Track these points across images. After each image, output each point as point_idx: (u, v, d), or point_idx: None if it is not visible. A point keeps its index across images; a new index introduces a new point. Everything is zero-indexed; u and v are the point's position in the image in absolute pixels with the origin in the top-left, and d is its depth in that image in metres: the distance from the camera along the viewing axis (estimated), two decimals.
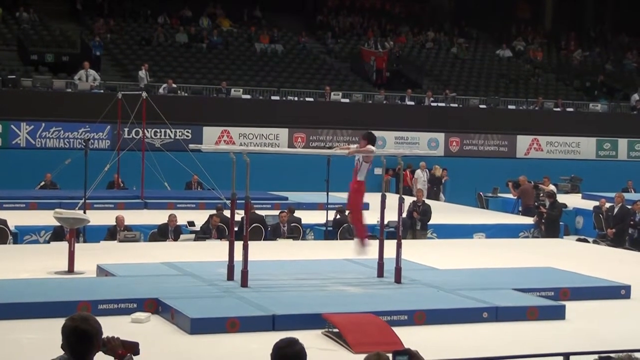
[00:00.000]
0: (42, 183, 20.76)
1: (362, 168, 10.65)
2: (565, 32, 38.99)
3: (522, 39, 37.24)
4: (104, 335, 4.21)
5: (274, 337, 4.47)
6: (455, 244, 16.18)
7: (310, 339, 8.09)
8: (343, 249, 14.03)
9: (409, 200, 17.50)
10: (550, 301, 10.16)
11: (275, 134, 25.83)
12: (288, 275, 11.04)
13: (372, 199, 18.70)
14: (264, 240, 15.74)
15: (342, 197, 20.04)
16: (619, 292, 10.99)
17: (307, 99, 27.65)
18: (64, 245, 12.14)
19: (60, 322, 4.17)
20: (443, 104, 29.01)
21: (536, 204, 20.07)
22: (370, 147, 10.65)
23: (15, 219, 15.83)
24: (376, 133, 27.91)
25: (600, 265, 13.22)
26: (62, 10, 31.97)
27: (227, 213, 15.37)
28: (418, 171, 24.72)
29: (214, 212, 16.21)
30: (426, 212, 17.34)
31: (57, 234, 14.48)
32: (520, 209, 21.64)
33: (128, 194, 20.46)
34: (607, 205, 19.39)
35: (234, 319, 8.68)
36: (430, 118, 27.90)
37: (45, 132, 23.68)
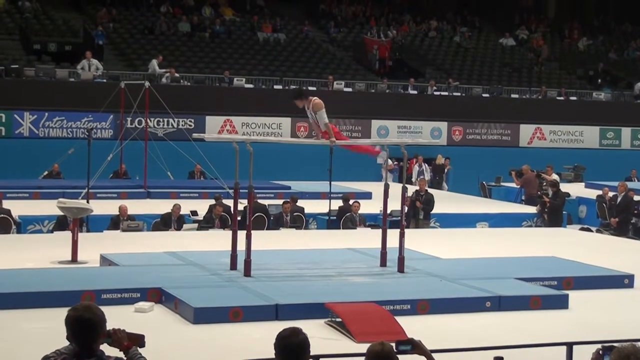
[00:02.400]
0: (47, 172, 20.78)
1: (318, 117, 10.60)
2: (569, 21, 38.89)
3: (525, 27, 37.16)
4: (110, 327, 4.21)
5: (277, 327, 4.49)
6: (458, 233, 16.18)
7: (313, 329, 8.09)
8: (346, 239, 14.06)
9: (411, 189, 17.51)
10: (554, 290, 10.17)
11: (278, 123, 25.81)
12: (291, 264, 11.05)
13: (375, 188, 18.73)
14: (266, 229, 15.75)
15: (345, 186, 20.12)
16: (622, 281, 11.00)
17: (309, 87, 27.60)
18: (67, 235, 12.16)
19: (64, 312, 4.18)
20: (446, 93, 28.98)
21: (539, 193, 20.05)
22: (316, 102, 10.53)
23: (19, 208, 15.84)
24: (379, 122, 28.11)
25: (603, 254, 13.22)
26: None
27: (228, 202, 15.38)
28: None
29: (213, 202, 16.19)
30: (429, 202, 17.33)
31: (60, 224, 14.51)
32: (523, 198, 21.64)
33: (131, 183, 20.48)
34: (611, 194, 19.36)
35: (237, 309, 8.70)
36: (433, 107, 27.88)
37: (49, 122, 23.68)
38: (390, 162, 24.15)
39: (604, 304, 10.05)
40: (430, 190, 18.37)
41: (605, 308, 9.89)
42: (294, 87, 27.12)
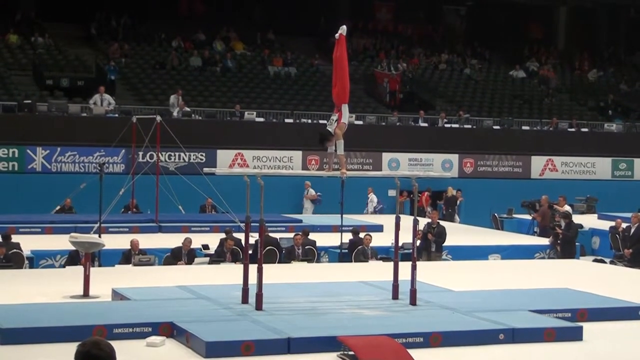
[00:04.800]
0: (59, 207, 20.84)
1: (337, 146, 10.53)
2: (579, 53, 38.98)
3: (535, 59, 37.25)
4: None
5: None
6: (470, 265, 16.11)
7: None
8: (358, 272, 14.02)
9: (423, 222, 17.46)
10: (568, 322, 10.09)
11: (289, 156, 25.86)
12: (303, 297, 11.01)
13: (386, 220, 18.70)
14: (278, 263, 15.72)
15: (356, 219, 20.08)
16: (636, 312, 10.91)
17: (320, 121, 27.63)
18: (79, 270, 12.17)
19: (75, 347, 4.16)
20: (457, 125, 29.01)
21: (551, 224, 19.98)
22: (337, 132, 10.38)
23: (31, 243, 15.87)
24: (390, 155, 28.11)
25: (617, 285, 13.13)
26: (77, 35, 32.24)
27: (239, 236, 15.36)
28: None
29: (225, 235, 16.18)
30: (441, 234, 17.28)
31: (72, 258, 14.52)
32: (535, 229, 21.58)
33: (143, 217, 20.50)
34: (624, 225, 19.27)
35: (249, 342, 8.65)
36: (443, 139, 27.90)
37: (61, 157, 23.80)
38: (313, 193, 24.09)
39: (619, 336, 9.96)
40: (442, 223, 18.32)
41: (620, 339, 9.81)
42: (305, 120, 27.20)
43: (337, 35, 10.65)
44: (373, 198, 24.42)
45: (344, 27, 10.75)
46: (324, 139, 10.52)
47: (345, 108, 10.53)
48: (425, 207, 24.37)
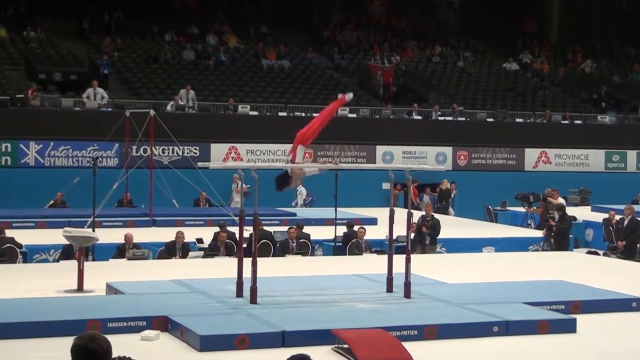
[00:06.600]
0: (52, 202, 20.81)
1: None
2: (572, 45, 39.01)
3: (528, 52, 37.28)
4: (115, 355, 4.19)
5: (283, 354, 4.46)
6: (464, 258, 16.14)
7: (320, 355, 8.07)
8: (352, 265, 14.04)
9: (417, 214, 17.49)
10: (561, 314, 10.12)
11: (283, 149, 25.78)
12: (297, 291, 11.02)
13: (380, 213, 18.71)
14: (272, 256, 15.72)
15: (350, 212, 20.09)
16: (630, 304, 10.94)
17: (314, 114, 27.58)
18: (73, 264, 12.16)
19: (70, 341, 4.17)
20: (450, 118, 29.01)
21: (545, 217, 19.99)
22: (296, 172, 10.43)
23: (25, 237, 15.84)
24: (384, 148, 28.04)
25: (611, 277, 13.17)
26: (69, 29, 32.14)
27: (233, 229, 15.38)
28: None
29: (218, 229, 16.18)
30: (435, 227, 17.31)
31: (66, 253, 14.50)
32: (529, 222, 21.61)
33: (136, 211, 20.48)
34: (617, 217, 19.31)
35: (244, 336, 8.66)
36: (437, 132, 27.90)
37: (54, 151, 23.75)
38: (243, 185, 23.78)
39: (612, 328, 10.00)
40: (436, 216, 18.34)
41: (614, 331, 9.84)
42: (298, 113, 27.14)
43: (340, 95, 10.80)
44: (302, 190, 24.13)
45: (351, 94, 11.04)
46: (283, 183, 10.50)
47: (300, 149, 10.42)
48: (415, 201, 24.15)
